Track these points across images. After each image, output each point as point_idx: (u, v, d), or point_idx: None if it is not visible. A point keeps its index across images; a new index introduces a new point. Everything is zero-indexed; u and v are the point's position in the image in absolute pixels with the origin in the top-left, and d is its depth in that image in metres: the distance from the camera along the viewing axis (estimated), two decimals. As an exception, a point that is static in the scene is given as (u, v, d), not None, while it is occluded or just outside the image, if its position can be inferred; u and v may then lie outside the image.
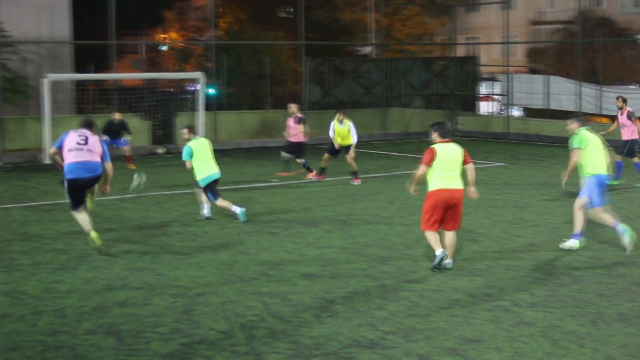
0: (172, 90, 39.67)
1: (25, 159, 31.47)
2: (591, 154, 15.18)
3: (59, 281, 13.09)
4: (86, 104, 36.35)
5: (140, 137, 35.01)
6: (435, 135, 13.70)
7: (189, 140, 18.28)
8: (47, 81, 31.18)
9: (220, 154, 32.14)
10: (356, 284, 12.69)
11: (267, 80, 43.93)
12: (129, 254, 14.99)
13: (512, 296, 12.03)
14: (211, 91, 37.04)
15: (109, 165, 15.77)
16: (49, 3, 39.45)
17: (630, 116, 23.64)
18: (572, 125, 15.50)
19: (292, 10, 71.83)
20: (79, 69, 40.46)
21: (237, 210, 18.08)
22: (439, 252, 13.46)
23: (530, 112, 46.30)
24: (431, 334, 10.32)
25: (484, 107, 51.60)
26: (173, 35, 74.50)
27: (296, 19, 45.12)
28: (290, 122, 25.42)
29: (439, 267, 13.45)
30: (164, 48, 74.56)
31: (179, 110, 36.59)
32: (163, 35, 78.73)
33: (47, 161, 30.40)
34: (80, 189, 15.34)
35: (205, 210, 18.45)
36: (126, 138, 28.85)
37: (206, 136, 33.68)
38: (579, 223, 15.16)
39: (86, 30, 57.20)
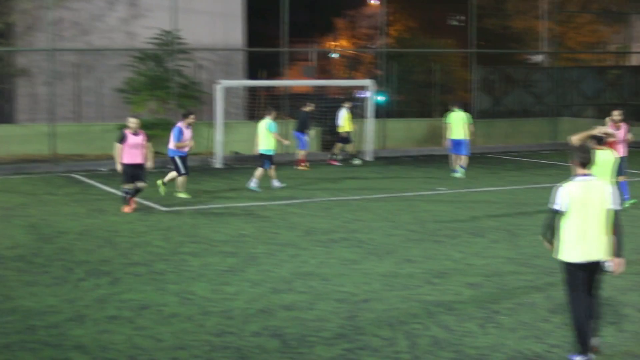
0: (341, 97, 39.93)
1: (197, 162, 32.18)
2: (453, 125, 27.90)
3: (226, 283, 13.34)
4: (256, 110, 36.96)
5: (310, 143, 35.43)
6: (592, 143, 13.80)
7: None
8: (220, 87, 31.84)
9: (387, 162, 32.30)
10: (522, 295, 12.52)
11: (436, 89, 43.79)
12: (295, 259, 15.16)
13: (685, 313, 11.66)
14: (380, 98, 37.12)
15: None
16: (223, 11, 40.30)
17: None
18: (453, 107, 28.25)
19: (462, 18, 71.46)
20: (251, 76, 41.18)
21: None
22: None
23: None
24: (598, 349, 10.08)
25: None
26: (343, 42, 75.02)
27: (467, 27, 44.84)
28: None
29: None
30: (335, 55, 75.20)
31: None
32: (334, 43, 79.42)
33: (218, 165, 31.07)
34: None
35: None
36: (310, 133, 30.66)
37: (375, 143, 33.97)
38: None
39: (258, 38, 58.19)
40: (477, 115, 39.72)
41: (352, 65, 62.01)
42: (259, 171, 24.53)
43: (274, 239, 17.08)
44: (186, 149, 22.87)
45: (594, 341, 9.75)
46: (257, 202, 22.12)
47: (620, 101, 43.54)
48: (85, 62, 37.60)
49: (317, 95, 38.10)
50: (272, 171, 24.75)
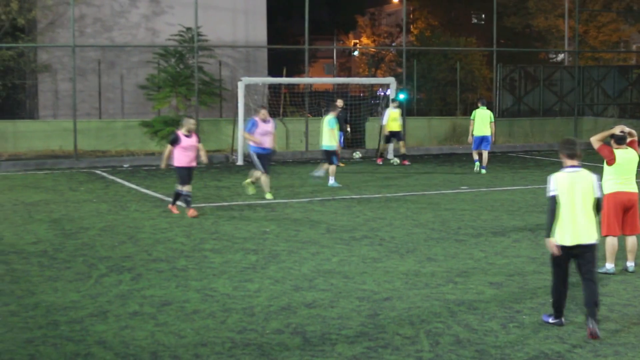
0: (362, 95, 39.93)
1: (218, 159, 32.27)
2: (477, 123, 27.95)
3: (248, 280, 13.35)
4: (278, 107, 36.99)
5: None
6: (612, 142, 13.91)
7: None
8: (241, 84, 31.86)
9: (409, 160, 32.17)
10: (544, 295, 12.46)
11: (457, 87, 43.71)
12: (317, 256, 15.16)
13: None
14: (401, 97, 37.11)
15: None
16: (245, 8, 40.38)
17: None
18: (479, 104, 28.32)
19: (484, 16, 71.31)
20: (273, 73, 41.25)
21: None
22: (609, 266, 13.85)
23: None
24: (620, 350, 10.04)
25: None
26: (364, 40, 75.04)
27: (488, 25, 44.76)
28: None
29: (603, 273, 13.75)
30: (356, 53, 75.19)
31: (369, 115, 36.83)
32: (355, 41, 79.45)
33: (240, 162, 31.11)
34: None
35: None
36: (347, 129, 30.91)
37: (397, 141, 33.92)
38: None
39: (279, 35, 58.15)
40: (499, 113, 39.63)
41: (373, 63, 61.99)
42: (331, 168, 24.90)
43: (295, 236, 17.09)
44: (266, 145, 21.70)
45: (592, 327, 10.45)
46: (278, 200, 22.11)
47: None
48: (107, 59, 37.78)
49: (339, 93, 38.08)
50: (325, 166, 25.12)
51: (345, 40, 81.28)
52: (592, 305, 10.59)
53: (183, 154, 19.39)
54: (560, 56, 59.12)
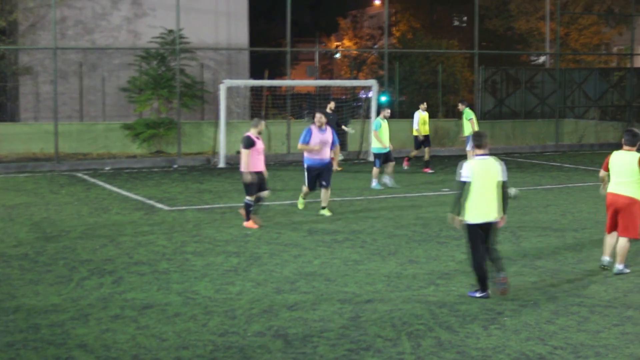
0: (344, 97, 39.94)
1: (200, 162, 32.23)
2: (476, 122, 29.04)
3: (229, 283, 13.35)
4: (260, 110, 36.97)
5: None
6: (622, 141, 14.28)
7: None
8: (223, 87, 31.84)
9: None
10: (525, 297, 12.50)
11: (439, 89, 43.77)
12: (299, 259, 15.16)
13: (689, 315, 11.64)
14: (383, 99, 37.12)
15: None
16: (227, 10, 40.34)
17: None
18: (461, 106, 29.59)
19: (465, 19, 71.46)
20: (254, 75, 41.21)
21: None
22: (603, 258, 14.37)
23: None
24: (601, 351, 10.08)
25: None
26: (347, 43, 75.07)
27: (470, 28, 44.80)
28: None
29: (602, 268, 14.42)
30: (338, 55, 75.20)
31: (351, 117, 36.84)
32: (337, 43, 79.46)
33: (221, 165, 31.07)
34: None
35: None
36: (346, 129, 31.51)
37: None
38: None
39: (261, 38, 58.07)
40: (481, 116, 39.69)
41: (355, 66, 61.99)
42: (374, 170, 25.30)
43: (277, 238, 17.09)
44: (323, 155, 19.88)
45: (502, 274, 12.55)
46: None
47: (623, 103, 43.55)
48: (89, 61, 37.68)
49: (321, 95, 38.07)
50: (388, 168, 25.29)
51: (327, 42, 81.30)
52: (499, 270, 12.52)
53: (257, 158, 18.24)
54: (542, 59, 59.29)
